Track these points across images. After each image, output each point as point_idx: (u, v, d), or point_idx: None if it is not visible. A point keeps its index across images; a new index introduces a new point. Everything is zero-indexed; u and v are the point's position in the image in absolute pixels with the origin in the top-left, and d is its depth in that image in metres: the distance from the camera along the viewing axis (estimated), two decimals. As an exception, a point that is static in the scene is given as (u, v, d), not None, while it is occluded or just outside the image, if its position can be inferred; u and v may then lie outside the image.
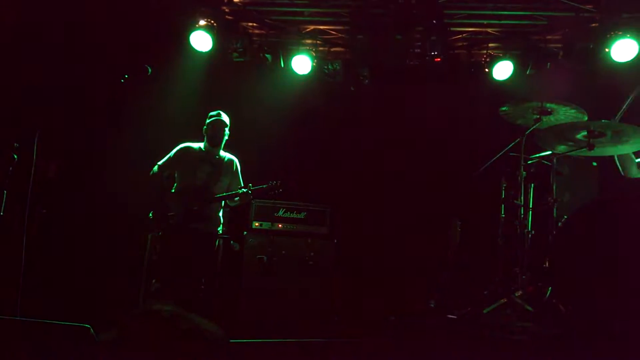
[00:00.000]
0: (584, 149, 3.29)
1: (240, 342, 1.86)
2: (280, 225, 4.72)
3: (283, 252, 4.56)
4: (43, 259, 4.56)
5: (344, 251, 4.71)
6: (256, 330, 4.29)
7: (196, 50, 5.00)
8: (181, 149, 4.00)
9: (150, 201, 3.81)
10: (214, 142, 3.98)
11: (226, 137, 4.05)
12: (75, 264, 4.81)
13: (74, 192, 5.00)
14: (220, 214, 4.00)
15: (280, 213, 4.75)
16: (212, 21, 4.97)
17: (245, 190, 3.86)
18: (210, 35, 4.95)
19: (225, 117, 4.03)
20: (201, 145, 4.03)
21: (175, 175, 3.96)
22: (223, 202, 3.98)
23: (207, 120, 4.01)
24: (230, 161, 4.09)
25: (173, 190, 3.86)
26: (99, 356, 1.07)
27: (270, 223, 4.72)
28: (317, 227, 4.70)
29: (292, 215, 4.75)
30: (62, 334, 1.72)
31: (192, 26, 4.94)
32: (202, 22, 4.95)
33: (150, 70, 3.13)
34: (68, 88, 4.41)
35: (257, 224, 4.72)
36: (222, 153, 4.08)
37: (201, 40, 4.96)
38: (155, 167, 3.96)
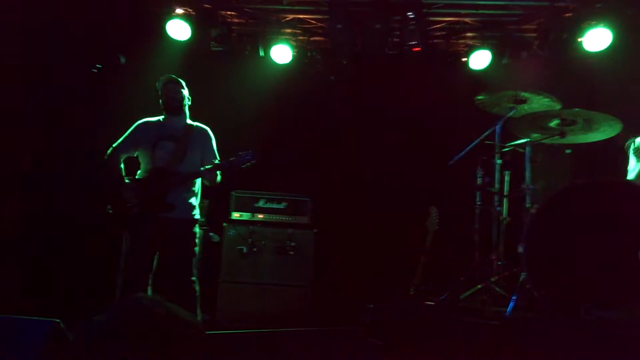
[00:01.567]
0: (557, 137, 3.37)
1: (218, 333, 1.87)
2: (260, 216, 4.72)
3: (263, 242, 4.57)
4: (18, 255, 4.49)
5: (324, 241, 4.74)
6: (235, 321, 4.30)
7: (173, 40, 4.94)
8: (138, 125, 3.40)
9: (107, 192, 3.26)
10: (173, 108, 3.35)
11: (187, 101, 3.43)
12: (52, 260, 4.74)
13: (50, 187, 4.91)
14: (193, 200, 3.36)
15: (261, 204, 4.75)
16: (190, 9, 4.91)
17: (209, 166, 3.24)
18: (188, 24, 4.89)
19: (177, 78, 3.43)
20: (160, 117, 3.43)
21: (138, 157, 3.39)
22: (197, 184, 3.37)
23: (157, 88, 3.41)
24: (201, 130, 3.44)
25: (138, 176, 3.32)
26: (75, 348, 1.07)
27: (250, 214, 4.72)
28: (297, 218, 4.71)
29: (272, 206, 4.75)
30: (32, 329, 1.71)
31: (168, 14, 4.87)
32: (179, 11, 4.88)
33: (123, 59, 3.08)
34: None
35: (237, 215, 4.72)
36: (190, 122, 3.43)
37: (178, 29, 4.89)
38: (109, 150, 3.34)
